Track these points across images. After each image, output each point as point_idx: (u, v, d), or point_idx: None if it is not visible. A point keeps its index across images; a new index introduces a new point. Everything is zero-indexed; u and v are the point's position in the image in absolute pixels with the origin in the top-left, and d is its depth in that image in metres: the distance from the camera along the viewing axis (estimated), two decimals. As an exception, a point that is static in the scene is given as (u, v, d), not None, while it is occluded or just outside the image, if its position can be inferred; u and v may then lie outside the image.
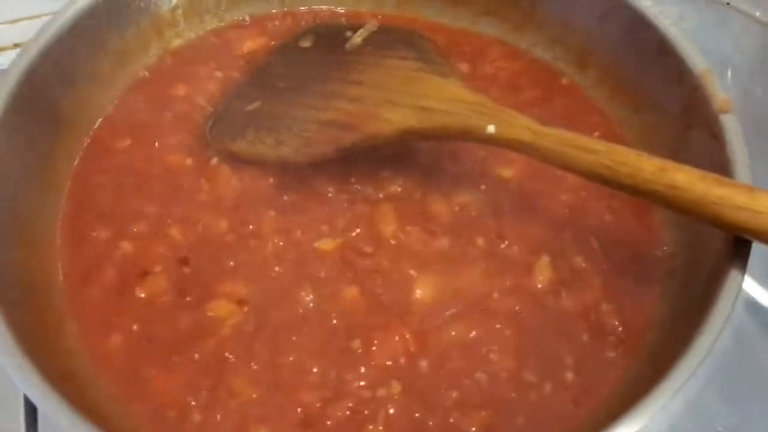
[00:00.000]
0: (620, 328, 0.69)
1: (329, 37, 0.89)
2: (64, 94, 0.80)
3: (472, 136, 0.71)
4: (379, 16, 0.93)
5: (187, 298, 0.71)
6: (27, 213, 0.74)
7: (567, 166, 0.67)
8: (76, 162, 0.81)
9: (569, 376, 0.67)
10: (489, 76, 0.88)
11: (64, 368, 0.65)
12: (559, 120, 0.71)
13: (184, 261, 0.74)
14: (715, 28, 1.08)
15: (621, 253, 0.74)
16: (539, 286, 0.71)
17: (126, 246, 0.74)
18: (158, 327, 0.69)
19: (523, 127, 0.69)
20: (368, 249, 0.73)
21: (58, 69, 0.79)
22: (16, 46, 1.11)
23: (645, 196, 0.64)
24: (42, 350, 0.62)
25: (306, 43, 0.89)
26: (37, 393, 0.57)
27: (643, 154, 0.64)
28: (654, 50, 0.80)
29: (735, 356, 0.79)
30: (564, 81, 0.89)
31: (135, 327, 0.69)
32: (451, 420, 0.63)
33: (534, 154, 0.69)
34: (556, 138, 0.67)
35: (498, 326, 0.68)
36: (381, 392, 0.64)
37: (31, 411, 0.76)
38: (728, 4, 1.08)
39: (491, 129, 0.70)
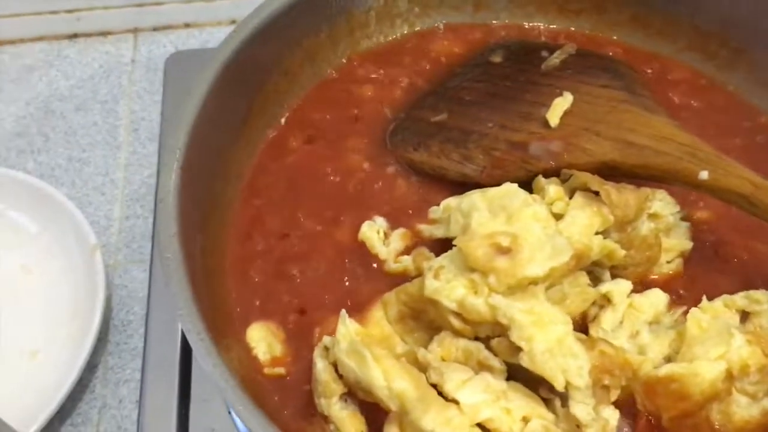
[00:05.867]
0: None
1: (522, 55, 0.85)
2: (259, 84, 0.81)
3: (680, 180, 0.66)
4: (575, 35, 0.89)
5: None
6: (210, 198, 0.74)
7: (790, 227, 0.61)
8: (257, 153, 0.81)
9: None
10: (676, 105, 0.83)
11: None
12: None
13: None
14: None
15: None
16: None
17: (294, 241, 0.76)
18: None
19: (742, 177, 0.63)
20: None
21: (256, 59, 0.79)
22: (232, 22, 1.13)
23: None
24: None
25: (496, 58, 0.86)
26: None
27: None
28: None
29: None
30: (763, 119, 0.83)
31: None
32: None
33: (750, 209, 0.63)
34: (781, 194, 0.61)
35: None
36: None
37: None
38: None
39: (704, 175, 0.65)
